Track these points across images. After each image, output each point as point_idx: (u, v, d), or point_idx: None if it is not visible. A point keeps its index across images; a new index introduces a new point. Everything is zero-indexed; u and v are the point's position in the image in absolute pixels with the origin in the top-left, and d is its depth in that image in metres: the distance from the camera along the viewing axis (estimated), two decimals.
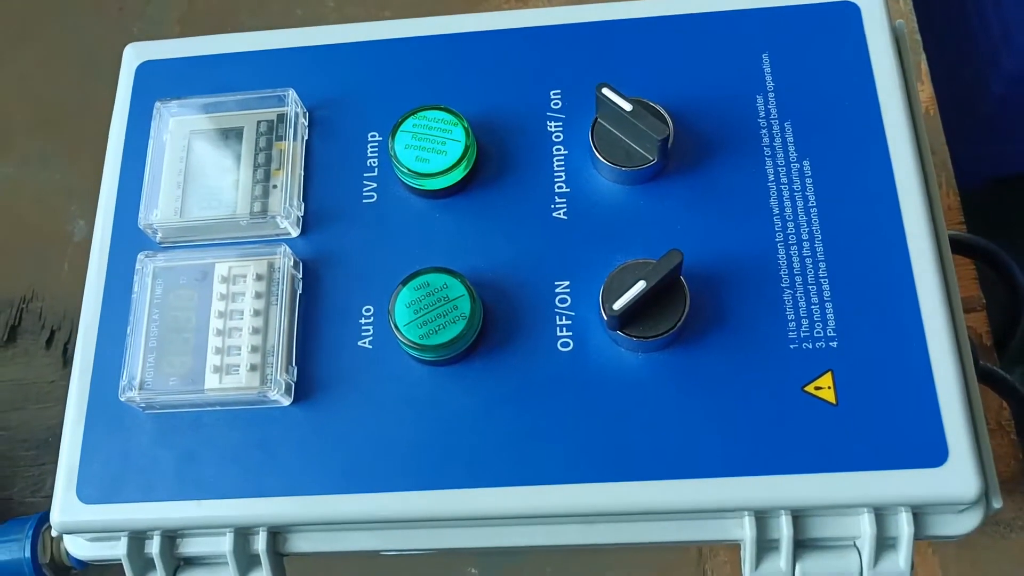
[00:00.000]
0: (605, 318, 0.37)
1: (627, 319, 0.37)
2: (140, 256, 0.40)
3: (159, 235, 0.41)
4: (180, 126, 0.43)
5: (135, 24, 0.69)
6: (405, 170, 0.40)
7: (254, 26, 0.68)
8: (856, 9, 0.44)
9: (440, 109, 0.41)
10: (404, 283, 0.38)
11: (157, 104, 0.43)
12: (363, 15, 0.69)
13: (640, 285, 0.36)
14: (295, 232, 0.41)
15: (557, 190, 0.41)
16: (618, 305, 0.36)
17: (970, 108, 1.10)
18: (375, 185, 0.42)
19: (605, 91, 0.39)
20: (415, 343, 0.37)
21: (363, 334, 0.39)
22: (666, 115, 0.40)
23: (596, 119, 0.41)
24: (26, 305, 0.61)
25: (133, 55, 0.47)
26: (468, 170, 0.41)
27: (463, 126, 0.41)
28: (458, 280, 0.38)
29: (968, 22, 1.10)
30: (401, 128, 0.41)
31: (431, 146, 0.40)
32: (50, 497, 0.39)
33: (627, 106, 0.39)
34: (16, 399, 0.58)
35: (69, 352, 0.59)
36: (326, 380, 0.39)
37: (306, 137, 0.43)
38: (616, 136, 0.40)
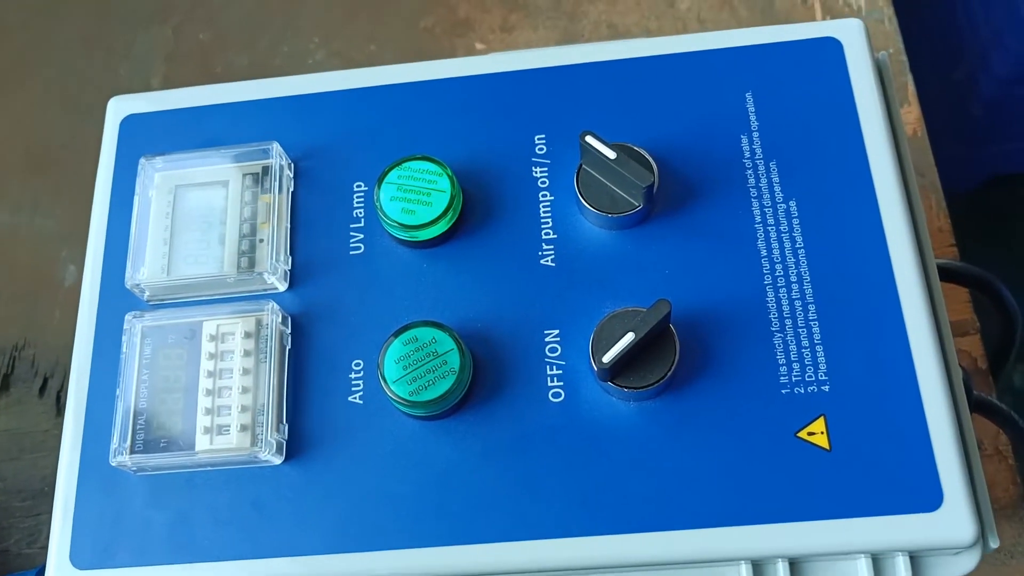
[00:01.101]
0: (595, 369, 0.37)
1: (617, 370, 0.36)
2: (128, 317, 0.40)
3: (147, 294, 0.41)
4: (165, 180, 0.43)
5: (121, 65, 0.69)
6: (392, 223, 0.40)
7: (240, 64, 0.68)
8: (838, 45, 0.44)
9: (424, 159, 0.41)
10: (393, 337, 0.38)
11: (142, 160, 0.43)
12: (348, 48, 0.69)
13: (629, 337, 0.36)
14: (283, 286, 0.41)
15: (544, 236, 0.41)
16: (607, 358, 0.36)
17: (961, 111, 1.10)
18: (362, 236, 0.42)
19: (588, 139, 0.39)
20: (405, 399, 0.37)
21: (353, 389, 0.39)
22: (650, 159, 0.40)
23: (581, 166, 0.41)
24: (18, 353, 0.61)
25: (116, 109, 0.46)
26: (454, 220, 0.41)
27: (448, 175, 0.41)
28: (446, 333, 0.38)
29: (957, 25, 1.10)
30: (386, 179, 0.41)
31: (417, 197, 0.40)
32: (46, 548, 0.39)
33: (611, 154, 0.39)
34: (11, 449, 0.58)
35: (62, 400, 0.59)
36: (317, 437, 0.39)
37: (292, 189, 0.43)
38: (601, 183, 0.40)
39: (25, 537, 0.56)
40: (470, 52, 0.67)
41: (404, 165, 0.41)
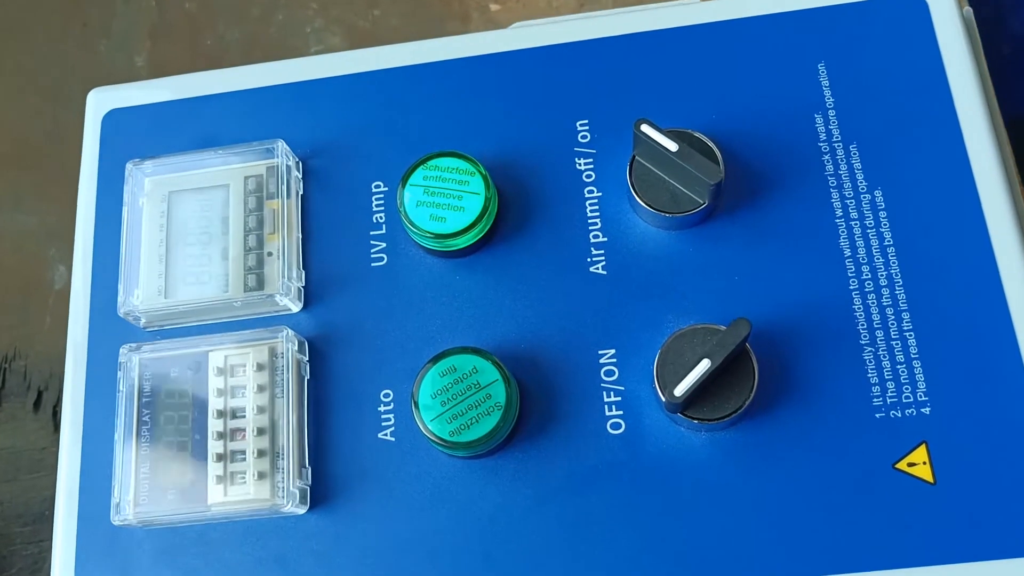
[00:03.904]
0: (663, 399, 0.32)
1: (689, 401, 0.32)
2: (123, 350, 0.35)
3: (143, 320, 0.36)
4: (157, 186, 0.38)
5: (101, 42, 0.63)
6: (419, 231, 0.35)
7: (232, 37, 0.62)
8: (922, 4, 0.38)
9: (453, 155, 0.36)
10: (427, 367, 0.33)
11: (129, 166, 0.38)
12: (349, 14, 0.63)
13: (704, 365, 0.31)
14: (296, 307, 0.36)
15: (593, 240, 0.36)
16: (679, 391, 0.31)
17: (988, 50, 1.03)
18: (384, 245, 0.37)
19: (645, 129, 0.34)
20: (445, 440, 0.32)
21: (383, 424, 0.35)
22: (714, 148, 0.35)
23: (634, 156, 0.35)
24: (9, 365, 0.56)
25: (97, 103, 0.41)
26: (490, 225, 0.36)
27: (480, 174, 0.35)
28: (489, 362, 0.33)
29: None
30: (410, 181, 0.36)
31: (446, 201, 0.35)
32: None
33: (672, 146, 0.33)
34: (7, 470, 0.54)
35: (59, 414, 0.54)
36: (345, 481, 0.34)
37: (301, 192, 0.38)
38: (659, 177, 0.35)
39: (28, 566, 0.52)
40: (483, 12, 0.61)
41: (430, 163, 0.36)
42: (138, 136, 0.40)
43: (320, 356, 0.36)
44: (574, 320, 0.35)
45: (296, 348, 0.35)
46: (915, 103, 0.36)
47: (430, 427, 0.32)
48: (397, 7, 0.63)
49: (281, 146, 0.37)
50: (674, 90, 0.38)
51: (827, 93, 0.37)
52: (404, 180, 0.36)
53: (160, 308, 0.36)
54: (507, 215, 0.37)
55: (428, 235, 0.35)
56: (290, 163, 0.38)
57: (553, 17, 0.42)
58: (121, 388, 0.35)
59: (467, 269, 0.36)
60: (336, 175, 0.38)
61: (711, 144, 0.35)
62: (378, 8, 0.63)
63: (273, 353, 0.35)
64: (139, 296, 0.36)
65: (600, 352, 0.35)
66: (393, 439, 0.34)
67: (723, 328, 0.32)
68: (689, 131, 0.35)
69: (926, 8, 0.38)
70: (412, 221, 0.35)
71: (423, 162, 0.36)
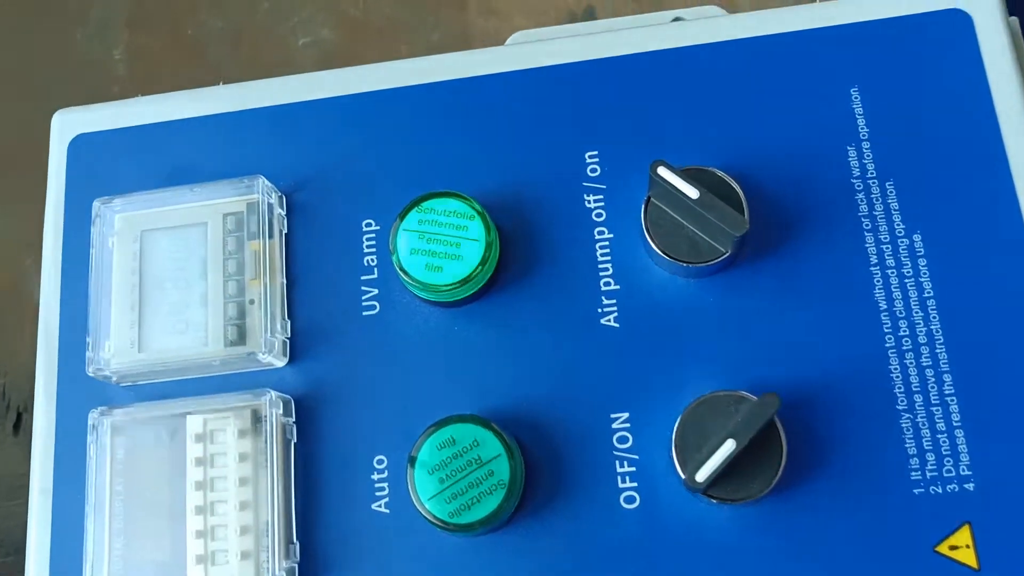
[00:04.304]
0: (682, 477, 0.29)
1: (712, 482, 0.29)
2: (93, 414, 0.32)
3: (114, 378, 0.33)
4: (129, 224, 0.35)
5: (78, 31, 0.59)
6: (414, 282, 0.32)
7: (215, 27, 0.59)
8: (966, 19, 0.34)
9: (450, 196, 0.33)
10: (424, 437, 0.30)
11: (97, 204, 0.34)
12: (340, 3, 0.59)
13: (728, 447, 0.28)
14: (281, 362, 0.33)
15: (604, 287, 0.33)
16: (701, 476, 0.28)
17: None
18: (376, 291, 0.34)
19: (662, 172, 0.30)
20: (445, 522, 0.30)
21: (377, 494, 0.32)
22: (738, 190, 0.32)
23: (649, 198, 0.32)
24: None
25: (63, 126, 0.38)
26: (491, 273, 0.33)
27: (480, 216, 0.32)
28: (491, 433, 0.30)
29: None
30: (403, 226, 0.32)
31: (443, 249, 0.32)
32: None
33: (693, 193, 0.30)
34: None
35: None
36: (336, 558, 0.31)
37: (285, 230, 0.35)
38: (676, 221, 0.32)
39: None
40: None
41: (425, 205, 0.32)
42: (108, 164, 0.37)
43: (308, 415, 0.33)
44: (584, 379, 0.32)
45: (281, 411, 0.32)
46: (958, 133, 0.33)
47: (427, 507, 0.30)
48: None
49: (261, 183, 0.34)
50: (692, 116, 0.34)
51: (860, 122, 0.33)
52: (397, 224, 0.32)
53: (133, 363, 0.33)
54: (510, 258, 0.34)
55: (424, 286, 0.32)
56: (272, 200, 0.34)
57: (556, 27, 0.39)
58: (91, 455, 0.32)
59: (466, 319, 0.33)
60: (323, 211, 0.35)
61: (734, 185, 0.32)
62: None
63: (256, 417, 0.32)
64: (110, 348, 0.33)
65: (612, 416, 0.32)
66: (388, 511, 0.32)
67: (748, 396, 0.30)
68: (710, 169, 0.32)
69: (970, 23, 0.34)
70: (407, 271, 0.32)
71: (417, 203, 0.33)
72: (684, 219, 0.31)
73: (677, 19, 0.39)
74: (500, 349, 0.33)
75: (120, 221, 0.35)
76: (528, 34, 0.39)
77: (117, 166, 0.37)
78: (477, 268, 0.32)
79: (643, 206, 0.32)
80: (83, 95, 0.55)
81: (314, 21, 0.58)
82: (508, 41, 0.39)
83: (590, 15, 0.57)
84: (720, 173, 0.32)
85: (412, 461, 0.30)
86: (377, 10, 0.58)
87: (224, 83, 0.39)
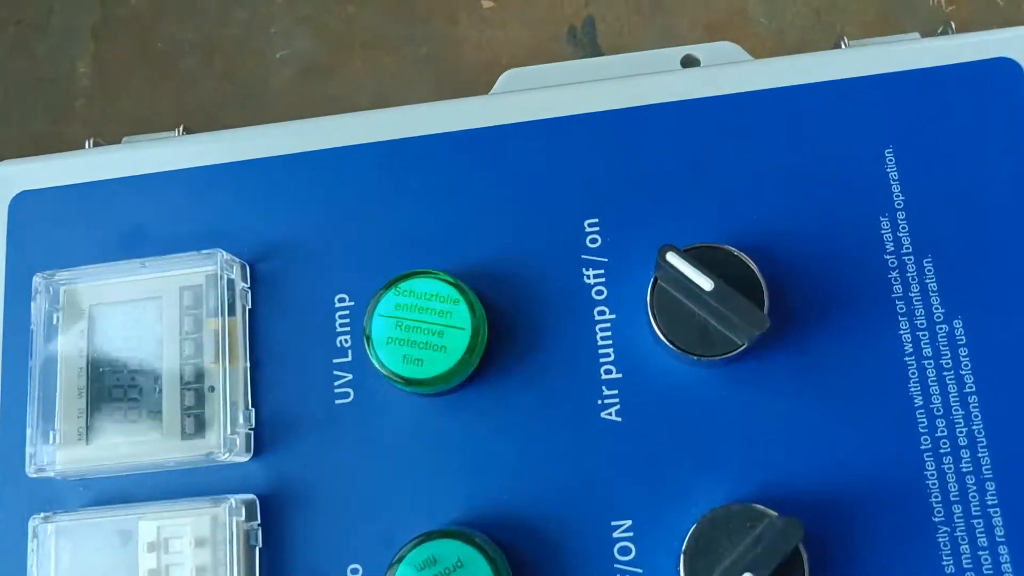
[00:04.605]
0: None
1: None
2: (33, 521, 0.29)
3: (59, 477, 0.30)
4: (76, 298, 0.31)
5: (39, 43, 0.55)
6: (390, 375, 0.28)
7: (185, 38, 0.54)
8: (1016, 69, 0.30)
9: (432, 276, 0.29)
10: (402, 554, 0.27)
11: (37, 279, 0.31)
12: (320, 12, 0.55)
13: None
14: (245, 457, 0.30)
15: (604, 376, 0.29)
16: None
17: None
18: (350, 376, 0.30)
19: (671, 259, 0.27)
20: None
21: None
22: (757, 274, 0.28)
23: (656, 280, 0.29)
24: None
25: (5, 181, 0.34)
26: (478, 362, 0.29)
27: (467, 301, 0.29)
28: (476, 551, 0.27)
29: None
30: (378, 311, 0.29)
31: (424, 339, 0.28)
32: None
33: (707, 284, 0.26)
34: None
35: None
36: None
37: (249, 306, 0.31)
38: (687, 309, 0.28)
39: None
40: (474, 10, 0.53)
41: (402, 287, 0.29)
42: (52, 225, 0.33)
43: (274, 517, 0.30)
44: (582, 481, 0.29)
45: (244, 517, 0.29)
46: (1006, 202, 0.29)
47: None
48: (376, 3, 0.55)
49: (221, 256, 0.30)
50: (705, 179, 0.31)
51: (895, 188, 0.30)
52: (371, 308, 0.29)
53: (80, 464, 0.29)
54: (500, 341, 0.30)
55: (401, 380, 0.28)
56: (233, 275, 0.31)
57: (553, 65, 0.35)
58: (33, 563, 0.29)
59: (451, 409, 0.30)
60: (292, 284, 0.31)
61: (752, 266, 0.28)
62: (352, 4, 0.55)
63: (215, 523, 0.29)
64: (56, 439, 0.30)
65: (614, 524, 0.28)
66: None
67: (766, 511, 0.26)
68: (724, 248, 0.28)
69: (1020, 73, 0.30)
70: (382, 363, 0.28)
71: (394, 284, 0.29)
72: (696, 307, 0.28)
73: (689, 57, 0.35)
74: (488, 445, 0.29)
75: (67, 295, 0.31)
76: (520, 73, 0.35)
77: (65, 227, 0.33)
78: (463, 359, 0.28)
79: (649, 287, 0.29)
80: (44, 110, 0.51)
81: (292, 33, 0.54)
82: (498, 82, 0.35)
83: (589, 26, 0.53)
84: (736, 253, 0.28)
85: None
86: (361, 23, 0.54)
87: (185, 128, 0.36)
